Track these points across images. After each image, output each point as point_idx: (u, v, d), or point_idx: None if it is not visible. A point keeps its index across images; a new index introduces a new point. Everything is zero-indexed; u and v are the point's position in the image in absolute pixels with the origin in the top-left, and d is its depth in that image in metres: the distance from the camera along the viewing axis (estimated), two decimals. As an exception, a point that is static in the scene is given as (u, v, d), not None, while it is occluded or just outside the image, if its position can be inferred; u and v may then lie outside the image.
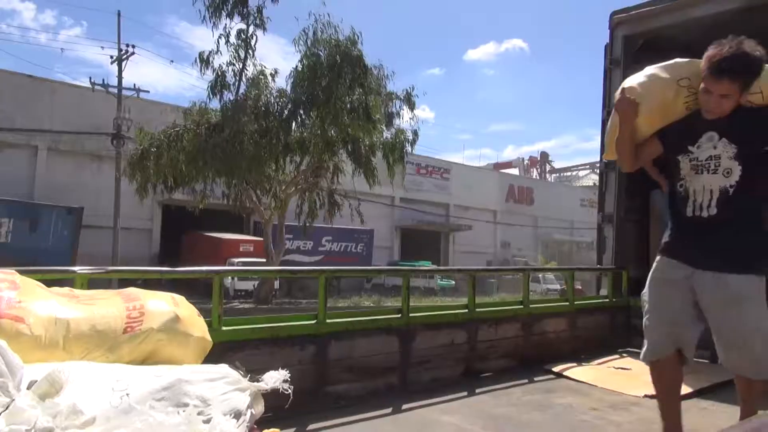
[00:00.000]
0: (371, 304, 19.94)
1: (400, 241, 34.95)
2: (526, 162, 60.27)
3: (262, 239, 20.03)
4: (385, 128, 17.86)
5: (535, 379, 3.99)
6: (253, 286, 21.14)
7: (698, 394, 3.52)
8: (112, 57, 23.38)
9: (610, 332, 4.96)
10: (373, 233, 29.18)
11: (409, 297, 3.76)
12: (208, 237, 24.68)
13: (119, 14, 23.31)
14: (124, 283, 2.97)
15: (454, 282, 28.16)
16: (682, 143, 2.48)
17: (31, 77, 23.82)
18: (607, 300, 5.07)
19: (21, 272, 2.14)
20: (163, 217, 26.09)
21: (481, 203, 38.81)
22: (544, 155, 62.99)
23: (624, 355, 4.68)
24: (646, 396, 3.42)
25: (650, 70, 2.57)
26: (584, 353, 4.55)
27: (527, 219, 42.10)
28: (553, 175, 62.99)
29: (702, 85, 2.39)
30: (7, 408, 1.13)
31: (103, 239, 21.27)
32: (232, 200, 17.84)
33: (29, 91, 23.10)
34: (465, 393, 3.64)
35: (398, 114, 18.06)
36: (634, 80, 2.58)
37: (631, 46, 5.17)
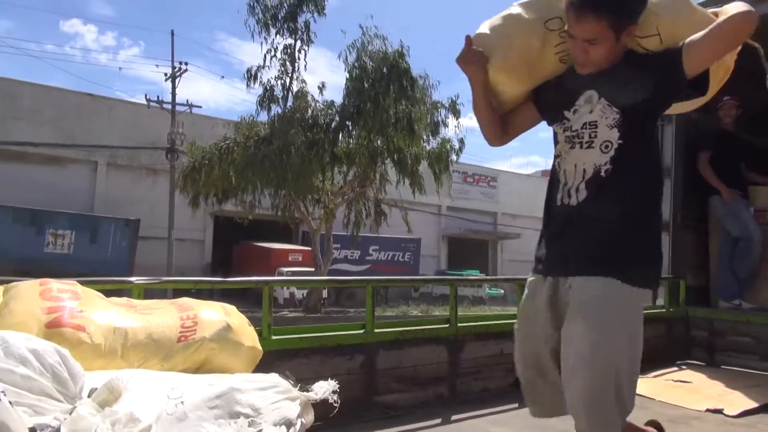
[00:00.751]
0: (419, 313, 19.87)
1: (447, 250, 34.73)
2: (575, 168, 59.05)
3: (310, 249, 20.29)
4: (431, 137, 17.87)
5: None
6: (302, 294, 21.42)
7: (766, 408, 3.35)
8: (166, 74, 24.26)
9: (668, 344, 4.78)
10: (420, 242, 29.11)
11: (457, 306, 3.72)
12: (258, 247, 25.17)
13: (173, 33, 24.29)
14: (178, 292, 3.06)
15: (503, 291, 27.76)
16: (558, 108, 1.85)
17: (91, 95, 24.92)
18: (664, 310, 4.89)
19: (81, 282, 2.23)
20: (215, 228, 26.76)
21: (529, 211, 38.11)
22: (595, 161, 61.63)
23: (683, 367, 4.50)
24: (708, 410, 3.28)
25: (511, 8, 1.92)
26: (640, 365, 4.40)
27: (578, 226, 41.14)
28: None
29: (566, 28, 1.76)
30: (69, 415, 1.17)
31: (158, 250, 21.97)
32: (281, 211, 18.18)
33: (89, 108, 24.19)
34: (516, 404, 3.56)
35: (444, 123, 18.04)
36: (487, 24, 1.92)
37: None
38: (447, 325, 3.66)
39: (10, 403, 1.03)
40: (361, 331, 3.31)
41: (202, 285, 3.39)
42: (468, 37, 1.90)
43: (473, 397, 3.64)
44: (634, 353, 1.68)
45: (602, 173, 1.73)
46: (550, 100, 1.90)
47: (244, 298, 15.37)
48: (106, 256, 20.46)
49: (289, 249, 25.41)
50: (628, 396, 1.67)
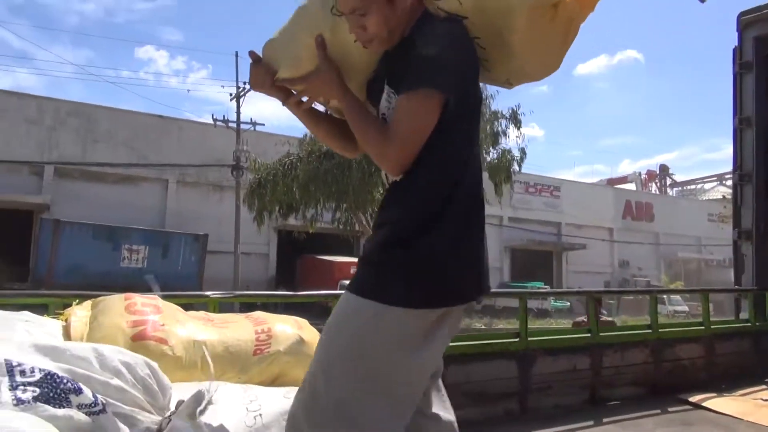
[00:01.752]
0: (482, 326, 19.57)
1: (509, 262, 34.13)
2: (643, 176, 56.94)
3: (371, 262, 20.37)
4: (491, 148, 17.68)
5: (669, 409, 3.70)
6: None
7: None
8: (231, 94, 25.08)
9: (754, 360, 4.50)
10: (481, 254, 28.70)
11: (527, 320, 3.64)
12: (321, 260, 25.51)
13: (237, 55, 25.02)
14: (244, 305, 3.13)
15: (569, 303, 26.97)
16: (375, 99, 1.56)
17: (162, 117, 26.11)
18: (749, 324, 4.62)
19: (161, 296, 2.32)
20: (278, 242, 27.33)
21: (595, 221, 37.05)
22: (664, 168, 59.24)
23: (773, 385, 4.23)
24: (804, 433, 3.06)
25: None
26: (724, 382, 4.16)
27: (647, 236, 39.56)
28: (675, 188, 58.98)
29: None
30: (161, 427, 1.22)
31: (225, 264, 22.63)
32: (342, 224, 18.41)
33: (160, 129, 25.35)
34: (591, 422, 3.44)
35: (504, 133, 17.82)
36: (279, 29, 1.64)
37: (763, 48, 4.76)
38: (517, 339, 3.58)
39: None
40: (430, 345, 3.28)
41: (273, 299, 3.46)
42: (251, 54, 1.63)
43: (545, 413, 3.54)
44: (342, 370, 1.35)
45: (390, 182, 1.49)
46: (372, 92, 1.61)
47: (309, 311, 15.57)
48: (176, 270, 21.25)
49: (351, 262, 25.55)
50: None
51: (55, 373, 1.03)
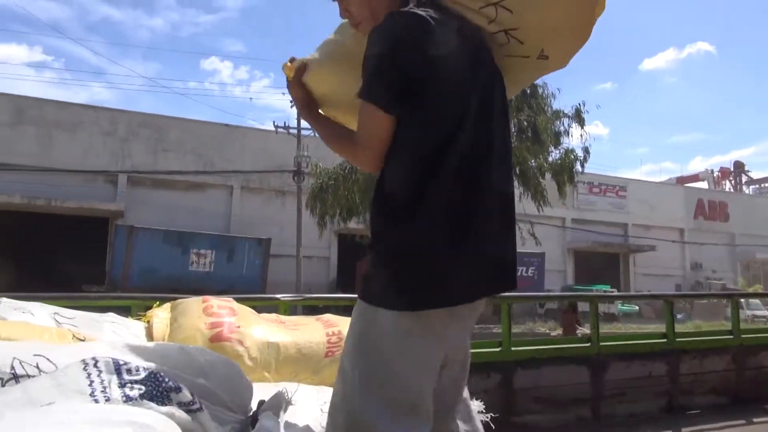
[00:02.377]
0: (547, 330, 19.13)
1: (573, 265, 33.25)
2: (716, 174, 54.25)
3: (431, 265, 20.28)
4: (553, 148, 17.30)
5: (755, 420, 3.51)
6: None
7: None
8: (291, 101, 25.59)
9: None
10: (544, 257, 28.07)
11: (598, 324, 3.54)
12: (381, 264, 25.60)
13: (296, 61, 25.53)
14: (307, 308, 3.16)
15: (637, 307, 25.99)
16: None
17: (227, 126, 26.98)
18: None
19: (234, 299, 2.39)
20: (339, 245, 27.68)
21: (664, 221, 35.59)
22: (739, 165, 56.24)
23: None
24: None
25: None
26: (816, 392, 3.90)
27: (722, 237, 37.65)
28: (752, 186, 55.87)
29: None
30: (245, 426, 1.25)
31: (287, 267, 23.11)
32: (402, 227, 18.46)
33: (225, 137, 26.20)
34: (669, 431, 3.31)
35: (567, 132, 17.39)
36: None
37: None
38: (588, 344, 3.48)
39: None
40: (499, 349, 3.24)
41: (342, 301, 3.51)
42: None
43: (619, 421, 3.43)
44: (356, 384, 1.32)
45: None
46: None
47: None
48: (241, 273, 21.85)
49: (411, 265, 25.50)
50: None
51: (158, 372, 1.07)
